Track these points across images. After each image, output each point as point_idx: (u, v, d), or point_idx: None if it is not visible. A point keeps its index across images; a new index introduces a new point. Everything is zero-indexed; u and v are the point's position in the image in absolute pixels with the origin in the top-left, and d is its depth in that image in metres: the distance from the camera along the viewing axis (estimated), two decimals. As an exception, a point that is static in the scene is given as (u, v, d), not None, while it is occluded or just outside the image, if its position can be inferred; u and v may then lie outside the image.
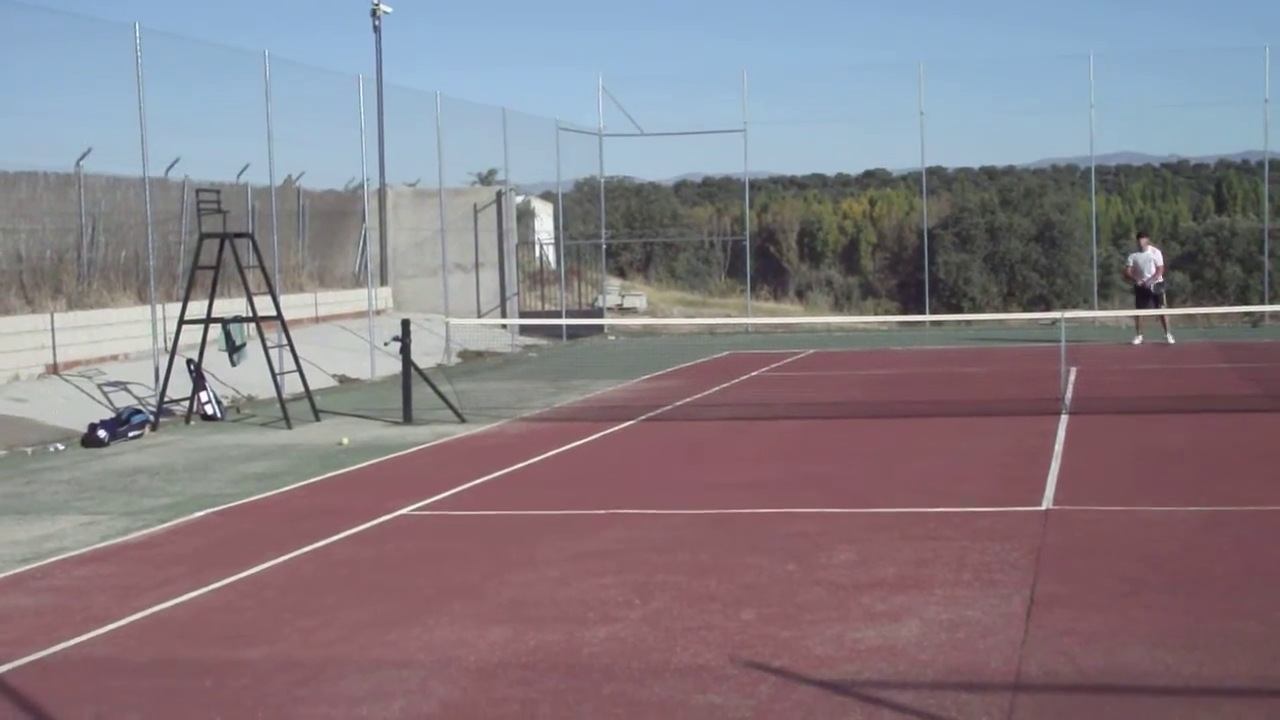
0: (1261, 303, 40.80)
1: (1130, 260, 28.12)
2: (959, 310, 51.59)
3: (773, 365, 25.19)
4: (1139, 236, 30.42)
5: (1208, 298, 58.18)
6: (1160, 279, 27.50)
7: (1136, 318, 28.30)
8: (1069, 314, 24.06)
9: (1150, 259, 27.67)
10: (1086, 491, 11.49)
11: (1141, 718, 6.15)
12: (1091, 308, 39.59)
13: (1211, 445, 14.01)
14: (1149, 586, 8.32)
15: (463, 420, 17.66)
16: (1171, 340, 27.06)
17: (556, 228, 37.39)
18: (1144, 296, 27.65)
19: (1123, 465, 12.93)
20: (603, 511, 11.33)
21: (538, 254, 40.63)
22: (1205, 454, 13.43)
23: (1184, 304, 55.59)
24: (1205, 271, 63.33)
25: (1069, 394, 18.23)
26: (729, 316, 39.59)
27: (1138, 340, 27.28)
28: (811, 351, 28.21)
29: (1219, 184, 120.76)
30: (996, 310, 52.39)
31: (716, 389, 21.20)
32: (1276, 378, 20.62)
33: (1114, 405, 17.46)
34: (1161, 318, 27.57)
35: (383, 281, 31.76)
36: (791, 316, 44.50)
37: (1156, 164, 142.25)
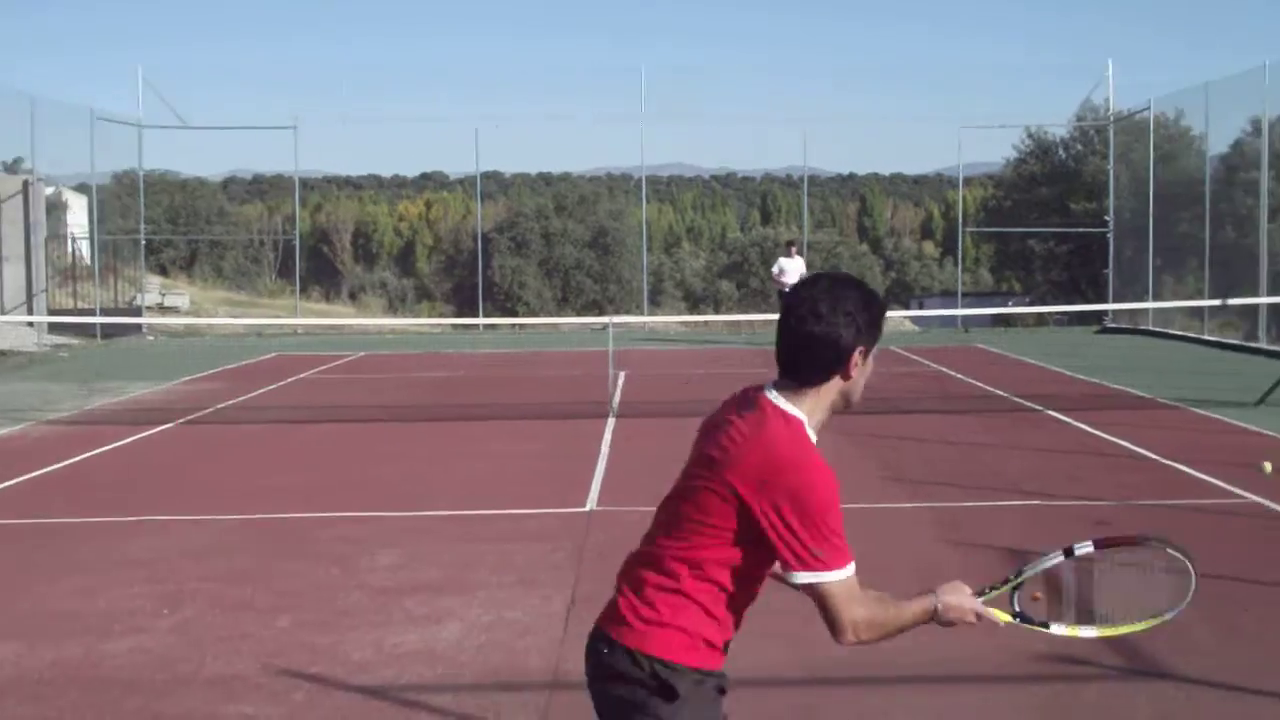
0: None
1: (777, 267, 29.09)
2: (514, 314, 52.15)
3: (322, 368, 24.73)
4: (789, 244, 31.22)
5: (752, 306, 60.74)
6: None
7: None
8: (619, 319, 24.57)
9: (798, 268, 28.53)
10: (629, 492, 11.63)
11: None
12: (643, 313, 40.60)
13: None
14: (686, 584, 8.44)
15: (-16, 423, 16.57)
16: None
17: (91, 222, 35.72)
18: None
19: (665, 467, 13.03)
20: (135, 518, 10.78)
21: (70, 249, 38.63)
22: (743, 454, 13.81)
23: (730, 311, 57.83)
24: (750, 280, 66.13)
25: (617, 397, 18.55)
26: (278, 317, 38.76)
27: None
28: (362, 354, 27.86)
29: (765, 197, 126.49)
30: (551, 315, 53.23)
31: (261, 391, 20.61)
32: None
33: (659, 409, 17.82)
34: None
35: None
36: (343, 318, 43.96)
37: (706, 175, 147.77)
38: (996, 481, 12.06)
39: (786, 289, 28.46)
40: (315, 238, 78.95)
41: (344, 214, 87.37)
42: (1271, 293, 26.63)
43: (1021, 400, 18.33)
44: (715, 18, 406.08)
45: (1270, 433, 14.95)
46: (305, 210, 44.54)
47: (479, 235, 42.03)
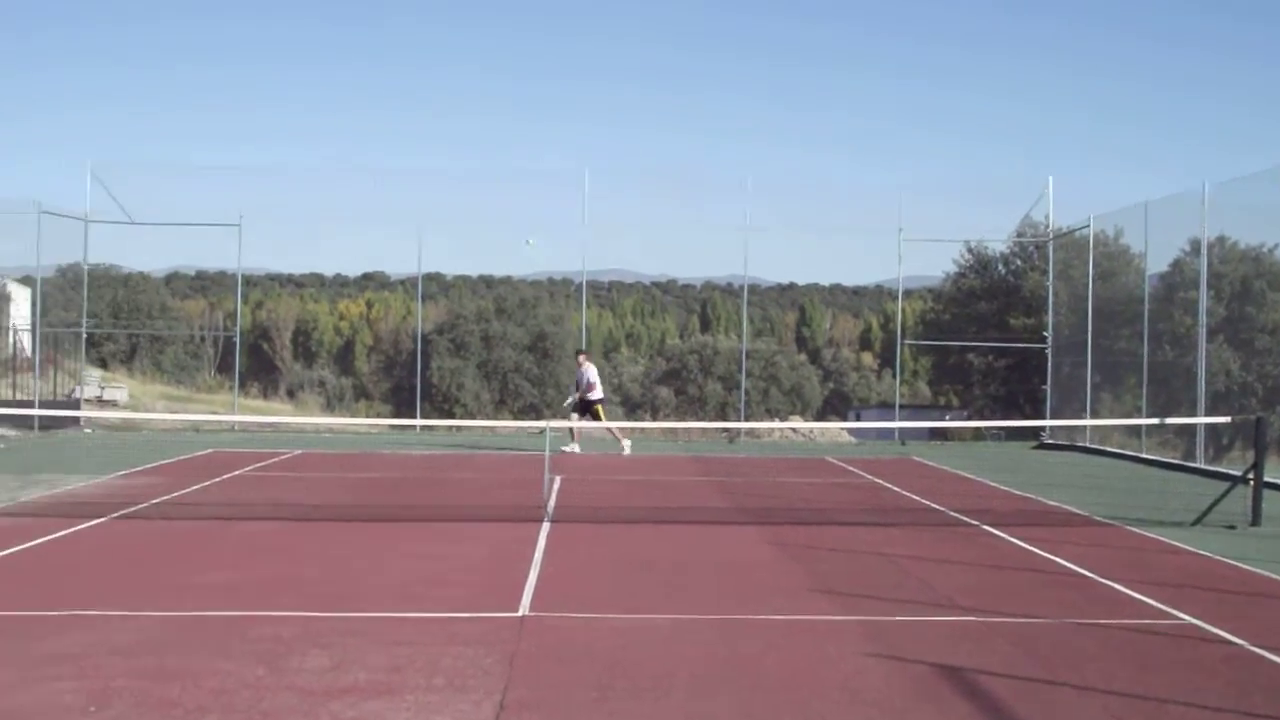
0: (739, 419, 42.99)
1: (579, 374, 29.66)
2: (451, 415, 52.10)
3: (257, 464, 24.61)
4: (578, 354, 31.67)
5: (690, 413, 60.93)
6: (591, 394, 29.06)
7: (571, 429, 29.57)
8: (555, 423, 24.61)
9: (584, 375, 29.16)
10: (563, 598, 11.63)
11: (603, 823, 6.20)
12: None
13: (683, 555, 14.47)
14: (616, 692, 8.45)
15: (-86, 513, 16.38)
16: (626, 450, 28.70)
17: (34, 314, 35.55)
18: (582, 408, 29.18)
19: (599, 573, 13.18)
20: (64, 613, 10.67)
21: (11, 340, 38.42)
22: (677, 563, 13.85)
23: (667, 418, 57.92)
24: (689, 387, 66.42)
25: (552, 502, 18.54)
26: (216, 413, 38.57)
27: (571, 448, 28.53)
28: (299, 452, 27.76)
29: (704, 304, 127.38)
30: (488, 417, 53.23)
31: (196, 487, 20.49)
32: (748, 492, 21.60)
33: (595, 514, 17.84)
34: (608, 429, 29.15)
35: None
36: (281, 415, 43.75)
37: (647, 282, 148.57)
38: (929, 595, 12.11)
39: (576, 396, 29.05)
40: (255, 334, 78.77)
41: (285, 311, 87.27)
42: (1209, 412, 26.95)
43: (957, 514, 18.45)
44: (657, 123, 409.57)
45: (1206, 553, 15.11)
46: (246, 306, 44.46)
47: (419, 336, 42.04)
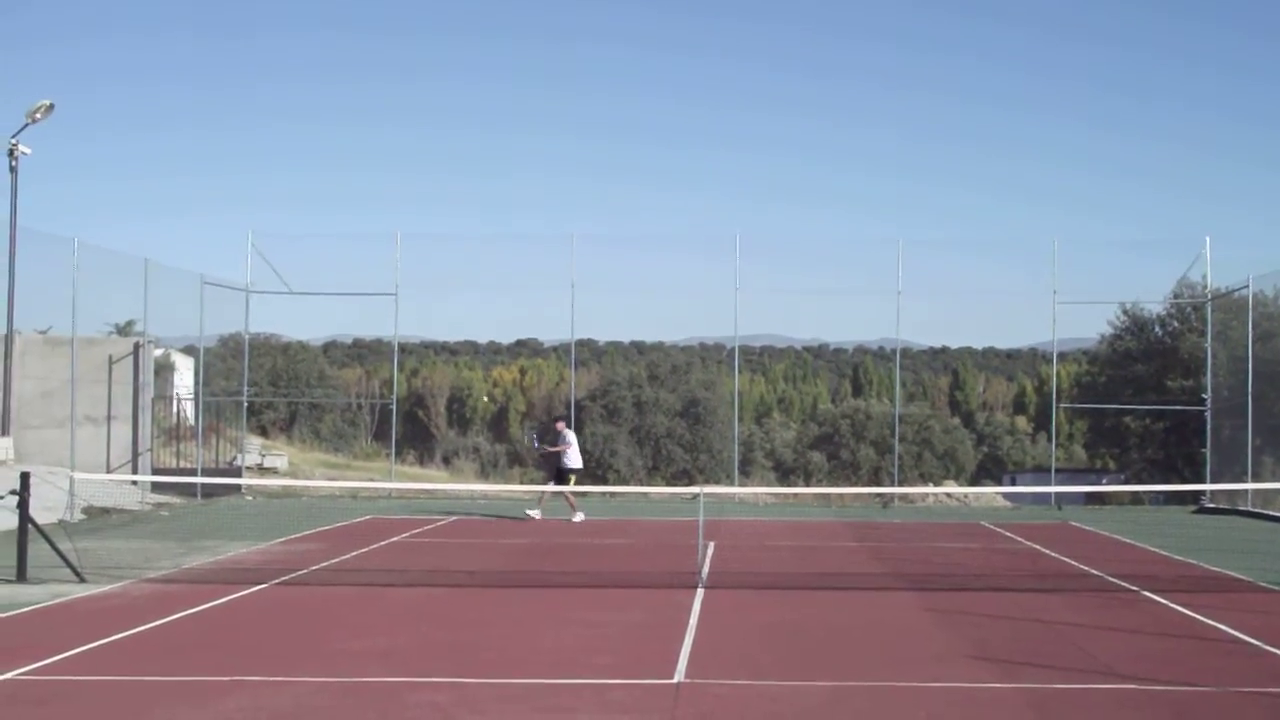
0: (892, 484, 42.62)
1: (561, 438, 28.92)
2: (604, 481, 52.28)
3: (414, 531, 24.90)
4: (556, 420, 30.95)
5: (842, 478, 60.51)
6: (568, 460, 28.44)
7: (542, 494, 29.09)
8: (709, 489, 24.60)
9: (564, 438, 28.43)
10: (718, 665, 11.59)
11: None
12: (733, 483, 40.54)
13: (839, 622, 14.36)
14: (773, 760, 8.39)
15: (82, 580, 16.80)
16: (579, 518, 27.69)
17: (197, 383, 36.42)
18: (558, 474, 28.58)
19: (754, 639, 13.11)
20: (226, 678, 10.86)
21: (175, 409, 39.39)
22: (832, 630, 13.75)
23: (820, 483, 57.60)
24: (841, 452, 66.00)
25: (706, 568, 18.49)
26: (373, 480, 39.09)
27: (534, 514, 27.95)
28: (454, 518, 28.04)
29: (856, 369, 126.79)
30: (641, 483, 53.33)
31: (354, 554, 20.78)
32: (903, 557, 21.39)
33: (749, 580, 17.77)
34: (567, 495, 28.32)
35: (3, 431, 30.29)
36: (436, 482, 44.22)
37: (799, 346, 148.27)
38: (1089, 663, 11.88)
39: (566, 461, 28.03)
40: (410, 402, 79.79)
41: (439, 379, 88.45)
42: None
43: (1116, 580, 18.09)
44: (809, 185, 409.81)
45: (1372, 620, 14.66)
46: (402, 374, 45.06)
47: (572, 402, 42.19)
